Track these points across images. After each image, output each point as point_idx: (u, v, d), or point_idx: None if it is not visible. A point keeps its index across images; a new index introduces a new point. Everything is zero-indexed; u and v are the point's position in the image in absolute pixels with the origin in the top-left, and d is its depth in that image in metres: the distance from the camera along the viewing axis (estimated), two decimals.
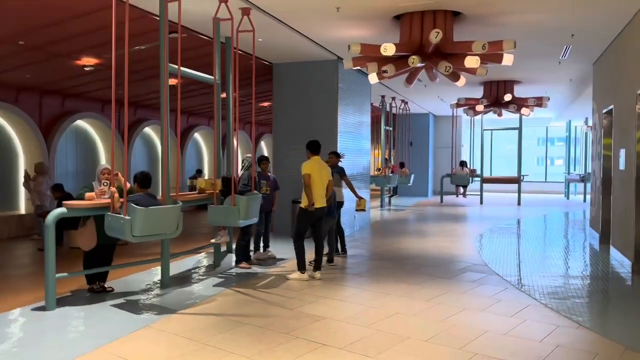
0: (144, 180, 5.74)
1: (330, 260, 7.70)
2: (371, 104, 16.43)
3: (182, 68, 6.50)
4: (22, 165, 11.48)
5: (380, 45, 6.91)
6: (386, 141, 17.26)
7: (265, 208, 8.01)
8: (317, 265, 6.89)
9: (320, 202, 6.79)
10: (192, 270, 7.37)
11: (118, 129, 13.33)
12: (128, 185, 5.87)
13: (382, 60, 7.43)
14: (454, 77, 7.86)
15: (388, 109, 17.06)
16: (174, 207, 5.66)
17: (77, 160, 12.90)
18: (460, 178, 17.93)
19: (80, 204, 5.64)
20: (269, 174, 8.24)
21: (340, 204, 8.16)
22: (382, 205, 17.12)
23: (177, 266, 7.44)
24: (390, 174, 16.68)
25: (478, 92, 14.24)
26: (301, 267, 6.76)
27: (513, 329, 4.79)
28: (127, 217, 5.26)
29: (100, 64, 9.61)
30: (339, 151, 8.81)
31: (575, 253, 9.42)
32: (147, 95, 12.90)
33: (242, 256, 7.56)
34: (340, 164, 8.35)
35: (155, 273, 6.90)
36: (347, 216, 10.64)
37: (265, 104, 15.11)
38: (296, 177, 9.54)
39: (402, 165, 18.31)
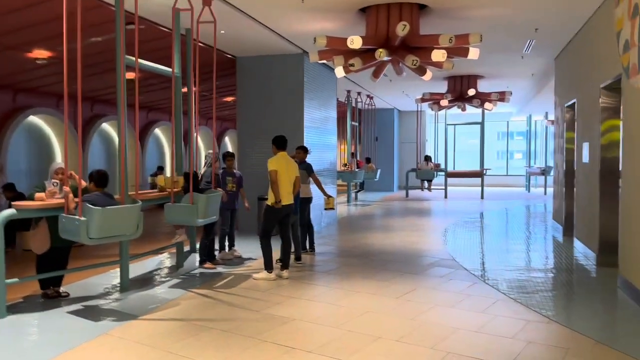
0: (100, 178, 5.42)
1: (297, 258, 7.53)
2: (337, 99, 16.44)
3: (140, 60, 6.19)
4: None
5: (346, 38, 6.77)
6: (352, 136, 17.18)
7: (231, 206, 7.78)
8: (284, 264, 6.71)
9: (287, 199, 6.61)
10: (154, 272, 7.08)
11: (74, 125, 12.78)
12: (84, 184, 5.55)
13: (348, 53, 7.29)
14: (421, 71, 7.79)
15: (354, 104, 16.97)
16: (132, 206, 5.37)
17: (30, 158, 12.32)
18: (425, 173, 18.03)
19: (30, 204, 5.29)
20: (235, 170, 7.99)
21: (308, 200, 8.00)
22: (348, 201, 17.06)
23: (137, 268, 7.13)
24: (357, 170, 16.62)
25: (442, 87, 14.30)
26: (268, 266, 6.57)
27: (484, 326, 4.74)
28: (82, 219, 4.95)
29: (54, 57, 9.14)
30: (305, 145, 8.62)
31: (540, 245, 9.54)
32: (104, 90, 12.41)
33: (206, 256, 7.31)
34: (307, 159, 8.17)
35: (114, 276, 6.58)
36: (314, 212, 10.49)
37: (229, 98, 14.82)
38: (262, 173, 9.33)
39: (368, 160, 18.28)
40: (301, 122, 10.34)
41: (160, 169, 16.36)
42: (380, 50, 6.82)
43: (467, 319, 4.98)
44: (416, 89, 15.41)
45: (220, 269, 7.19)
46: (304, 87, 10.33)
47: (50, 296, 5.66)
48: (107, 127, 14.89)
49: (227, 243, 7.93)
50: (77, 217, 4.98)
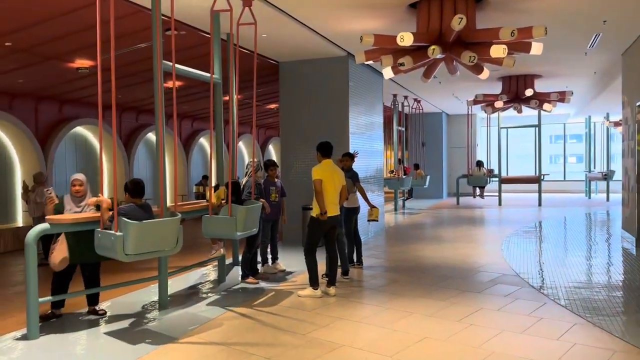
0: (135, 189, 5.10)
1: (345, 273, 7.04)
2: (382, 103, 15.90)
3: (177, 66, 5.88)
4: (19, 176, 10.95)
5: (395, 36, 6.26)
6: (399, 142, 16.57)
7: (274, 217, 7.39)
8: (331, 280, 6.23)
9: (333, 210, 6.13)
10: (195, 288, 6.73)
11: (119, 135, 12.83)
12: (102, 199, 4.98)
13: (397, 52, 6.78)
14: (477, 69, 7.18)
15: (400, 108, 16.37)
16: (172, 219, 5.02)
17: (77, 169, 12.35)
18: (477, 179, 17.17)
19: (63, 218, 5.03)
20: (277, 180, 7.59)
21: (355, 210, 7.50)
22: (396, 209, 16.43)
23: (179, 282, 6.83)
24: (404, 176, 15.99)
25: (495, 88, 13.53)
26: (313, 282, 6.10)
27: (562, 357, 4.10)
28: (118, 234, 4.65)
29: (94, 66, 9.05)
30: (351, 151, 8.12)
31: (612, 258, 8.67)
32: (150, 99, 12.34)
33: (249, 270, 6.92)
34: (353, 165, 7.69)
35: (153, 292, 6.27)
36: (361, 223, 10.00)
37: (273, 105, 14.53)
38: (306, 182, 8.92)
39: (416, 166, 17.62)
40: (346, 128, 9.87)
41: (205, 178, 16.21)
42: (433, 47, 6.27)
43: (542, 347, 4.34)
44: (467, 91, 14.67)
45: (262, 284, 6.78)
46: (349, 92, 9.86)
47: (54, 316, 5.31)
48: (152, 136, 14.88)
49: (269, 256, 7.53)
50: (113, 232, 4.67)
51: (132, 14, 6.74)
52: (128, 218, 4.73)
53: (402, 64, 6.58)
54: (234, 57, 7.70)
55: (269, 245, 7.50)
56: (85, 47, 8.10)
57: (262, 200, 6.74)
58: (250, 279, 6.83)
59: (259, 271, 7.21)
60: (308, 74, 10.09)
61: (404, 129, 17.01)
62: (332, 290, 6.16)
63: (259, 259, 7.37)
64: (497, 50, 6.24)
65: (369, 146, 11.05)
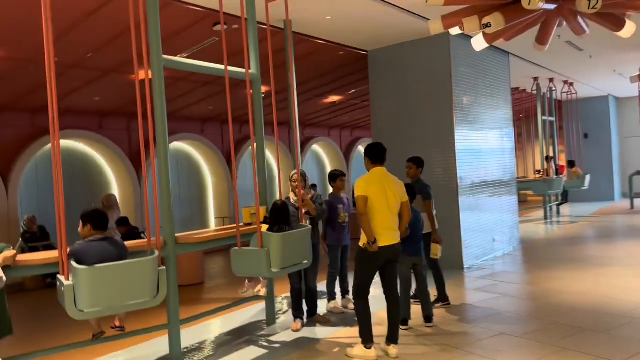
0: (98, 219, 3.92)
1: (427, 319, 5.19)
2: (517, 88, 13.27)
3: (184, 60, 4.70)
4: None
5: None
6: (548, 135, 13.66)
7: (342, 242, 5.85)
8: (391, 335, 4.48)
9: (388, 237, 4.38)
10: (232, 332, 5.44)
11: (220, 149, 12.31)
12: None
13: (483, 11, 4.79)
14: (613, 22, 4.84)
15: (547, 94, 13.51)
16: (140, 261, 3.78)
17: (180, 185, 12.02)
18: None
19: (31, 259, 4.07)
20: (343, 195, 6.00)
21: (428, 236, 5.61)
22: (545, 218, 13.52)
23: (223, 322, 5.66)
24: (555, 177, 13.09)
25: None
26: (365, 338, 4.41)
27: None
28: (67, 282, 3.55)
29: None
30: (421, 157, 6.07)
31: None
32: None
33: (295, 312, 5.45)
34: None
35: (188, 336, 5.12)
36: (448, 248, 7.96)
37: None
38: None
39: (571, 164, 14.45)
40: (450, 122, 7.86)
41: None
42: None
43: None
44: (636, 63, 11.41)
45: (309, 331, 5.25)
46: (452, 78, 7.85)
47: None
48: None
49: (338, 289, 5.99)
50: (63, 279, 3.59)
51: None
52: (80, 260, 3.61)
53: (487, 25, 4.58)
54: (292, 47, 6.45)
55: (337, 278, 5.98)
56: None
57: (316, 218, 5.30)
58: (293, 324, 5.35)
59: (330, 307, 5.76)
60: (401, 61, 8.33)
61: (553, 118, 14.03)
62: (392, 349, 4.41)
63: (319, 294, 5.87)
64: None
65: (487, 143, 8.84)
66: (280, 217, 4.64)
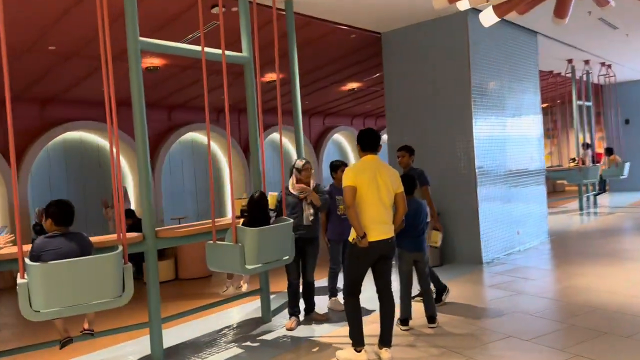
0: (61, 213, 3.66)
1: (430, 320, 4.80)
2: (552, 72, 12.53)
3: (160, 42, 4.42)
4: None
5: None
6: (581, 122, 12.85)
7: (342, 236, 5.48)
8: (384, 337, 4.11)
9: (380, 230, 4.00)
10: (223, 330, 5.17)
11: (239, 140, 12.10)
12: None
13: None
14: None
15: (583, 77, 12.69)
16: (101, 257, 3.48)
17: (195, 177, 11.88)
18: None
19: None
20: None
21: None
22: (581, 208, 12.74)
23: (214, 319, 5.41)
24: (591, 165, 12.31)
25: None
26: (356, 340, 4.06)
27: None
28: (21, 281, 3.33)
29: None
30: (411, 145, 5.65)
31: None
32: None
33: (290, 309, 5.14)
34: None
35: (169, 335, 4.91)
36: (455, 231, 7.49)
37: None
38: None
39: (609, 151, 13.59)
40: (468, 108, 7.36)
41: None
42: None
43: None
44: None
45: (304, 329, 4.93)
46: (469, 60, 7.33)
47: None
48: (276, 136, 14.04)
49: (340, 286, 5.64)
50: (20, 279, 3.37)
51: None
52: (38, 258, 3.39)
53: None
54: (293, 28, 6.10)
55: (338, 274, 5.63)
56: None
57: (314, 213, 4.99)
58: (287, 323, 5.04)
59: (330, 304, 5.44)
60: (416, 43, 7.86)
61: (590, 103, 13.19)
62: (384, 353, 4.04)
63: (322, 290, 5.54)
64: None
65: (512, 130, 8.28)
66: (257, 210, 4.33)
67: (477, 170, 7.34)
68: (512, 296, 5.66)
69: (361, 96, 13.12)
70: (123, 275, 3.57)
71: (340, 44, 8.55)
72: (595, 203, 13.54)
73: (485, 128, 7.56)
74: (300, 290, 5.25)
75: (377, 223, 4.00)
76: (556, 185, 18.15)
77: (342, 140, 16.00)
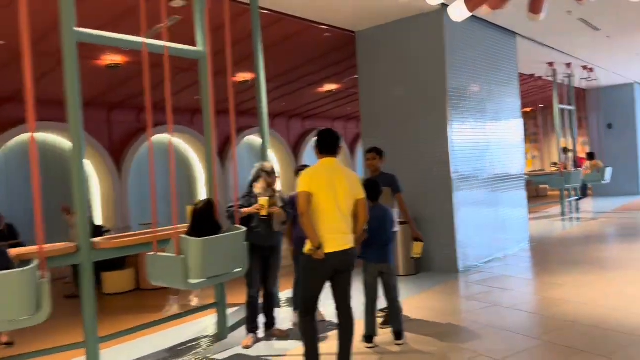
0: None
1: (397, 336, 4.45)
2: (533, 75, 12.32)
3: (96, 32, 4.05)
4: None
5: None
6: (563, 125, 12.64)
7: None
8: (342, 358, 3.75)
9: (338, 241, 3.63)
10: (174, 348, 4.77)
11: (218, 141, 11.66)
12: None
13: None
14: None
15: (564, 81, 12.50)
16: (8, 274, 3.07)
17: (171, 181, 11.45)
18: None
19: None
20: None
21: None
22: (563, 214, 12.52)
23: (165, 336, 5.00)
24: (573, 170, 12.10)
25: None
26: None
27: None
28: None
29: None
30: (382, 148, 5.26)
31: None
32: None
33: (248, 324, 4.76)
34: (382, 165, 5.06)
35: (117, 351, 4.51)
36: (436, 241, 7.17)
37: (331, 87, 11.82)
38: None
39: (590, 156, 13.42)
40: (443, 111, 7.06)
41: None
42: None
43: None
44: None
45: (263, 347, 4.57)
46: (445, 60, 7.04)
47: None
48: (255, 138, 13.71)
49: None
50: None
51: None
52: None
53: None
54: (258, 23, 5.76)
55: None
56: None
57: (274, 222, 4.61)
58: (245, 340, 4.67)
59: (295, 317, 5.06)
60: (390, 42, 7.55)
61: (572, 107, 12.99)
62: None
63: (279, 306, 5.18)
64: None
65: (491, 134, 8.00)
66: (202, 219, 3.98)
67: (453, 175, 7.04)
68: (487, 308, 5.34)
69: (341, 98, 12.80)
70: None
71: (315, 43, 8.23)
72: (577, 208, 13.33)
73: (462, 132, 7.27)
74: (262, 301, 4.89)
75: (335, 232, 3.64)
76: (539, 189, 17.97)
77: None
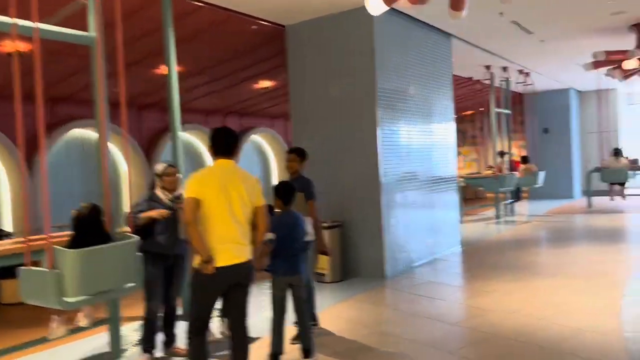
0: None
1: (306, 353, 4.10)
2: (471, 78, 12.32)
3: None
4: None
5: None
6: (500, 129, 12.71)
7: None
8: None
9: (230, 254, 3.24)
10: None
11: (139, 141, 10.99)
12: None
13: None
14: None
15: (501, 85, 12.57)
16: None
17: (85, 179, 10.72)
18: (613, 173, 12.61)
19: None
20: None
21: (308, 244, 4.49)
22: (497, 217, 12.60)
23: (53, 355, 4.46)
24: (508, 173, 12.17)
25: (629, 42, 9.29)
26: None
27: None
28: None
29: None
30: (305, 149, 4.93)
31: None
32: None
33: (144, 344, 4.30)
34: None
35: None
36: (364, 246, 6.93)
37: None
38: (327, 188, 6.31)
39: (524, 160, 13.59)
40: (373, 112, 6.79)
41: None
42: None
43: None
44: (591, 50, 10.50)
45: None
46: (374, 60, 6.76)
47: None
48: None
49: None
50: None
51: None
52: None
53: None
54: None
55: None
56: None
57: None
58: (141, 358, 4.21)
59: (174, 344, 4.59)
60: (319, 39, 7.23)
61: (509, 111, 13.08)
62: None
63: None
64: None
65: (422, 136, 7.80)
66: (85, 228, 3.49)
67: (381, 178, 6.77)
68: (407, 319, 5.09)
69: (279, 95, 12.35)
70: None
71: (242, 35, 7.78)
72: (512, 211, 13.46)
73: (392, 133, 7.03)
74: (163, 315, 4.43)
75: (227, 242, 3.24)
76: (478, 192, 18.18)
77: (263, 143, 15.16)
